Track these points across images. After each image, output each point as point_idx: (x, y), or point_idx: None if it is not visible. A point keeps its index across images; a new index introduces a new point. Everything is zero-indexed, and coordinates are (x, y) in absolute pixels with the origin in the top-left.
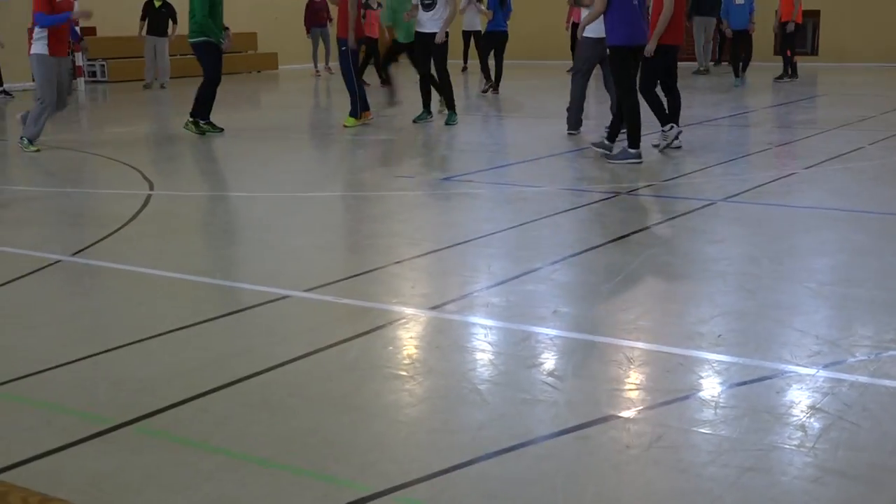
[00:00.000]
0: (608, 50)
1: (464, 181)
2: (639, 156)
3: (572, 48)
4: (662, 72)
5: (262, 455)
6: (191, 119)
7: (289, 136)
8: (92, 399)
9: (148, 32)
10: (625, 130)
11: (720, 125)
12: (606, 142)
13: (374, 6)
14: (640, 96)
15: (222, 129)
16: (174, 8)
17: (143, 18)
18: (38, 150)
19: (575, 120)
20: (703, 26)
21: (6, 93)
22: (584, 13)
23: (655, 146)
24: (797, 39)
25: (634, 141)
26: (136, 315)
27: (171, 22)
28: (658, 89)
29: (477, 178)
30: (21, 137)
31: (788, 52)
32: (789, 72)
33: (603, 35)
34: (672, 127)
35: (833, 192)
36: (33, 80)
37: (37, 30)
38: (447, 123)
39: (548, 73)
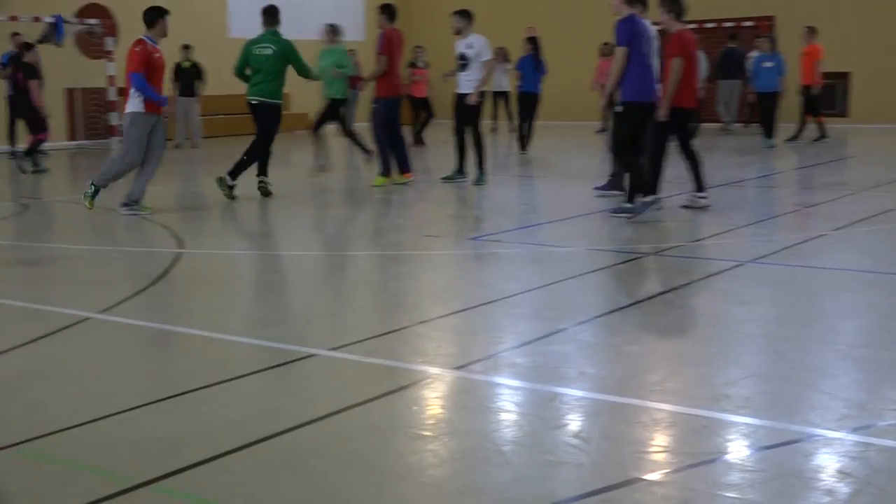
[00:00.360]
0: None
1: (491, 241)
2: (635, 210)
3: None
4: (675, 134)
5: None
6: (259, 179)
7: (318, 196)
8: (113, 458)
9: (179, 94)
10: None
11: (748, 186)
12: (627, 204)
13: (421, 64)
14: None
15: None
16: (201, 68)
17: (174, 80)
18: (90, 206)
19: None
20: (728, 89)
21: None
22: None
23: (684, 207)
24: (819, 102)
25: (642, 188)
26: (161, 373)
27: (198, 82)
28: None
29: (505, 237)
30: (91, 183)
31: (809, 117)
32: (819, 134)
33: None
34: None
35: (862, 254)
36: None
37: (133, 89)
38: (476, 184)
39: (575, 133)
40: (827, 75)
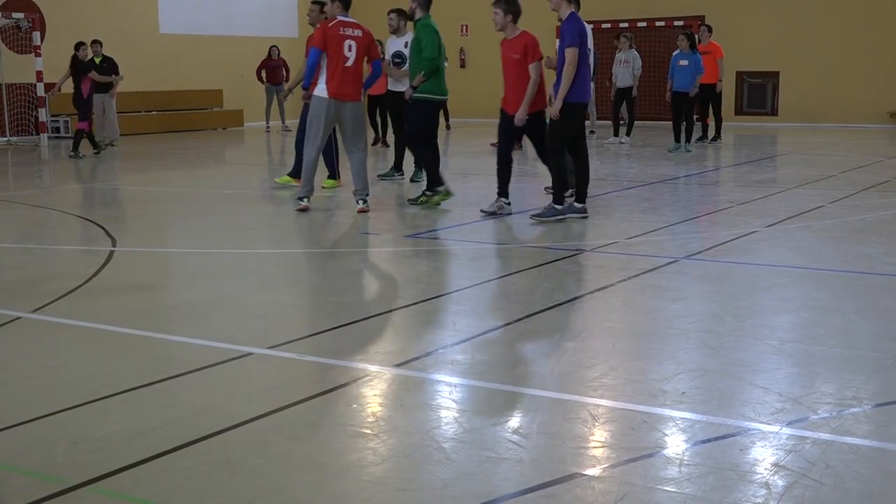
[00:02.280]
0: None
1: (429, 238)
2: (564, 212)
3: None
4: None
5: None
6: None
7: (253, 194)
8: (49, 460)
9: (97, 91)
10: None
11: (682, 184)
12: (577, 204)
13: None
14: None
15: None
16: (115, 62)
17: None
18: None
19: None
20: None
21: None
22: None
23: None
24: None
25: (561, 197)
26: (95, 373)
27: (113, 76)
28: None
29: (443, 235)
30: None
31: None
32: (702, 134)
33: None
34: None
35: (794, 250)
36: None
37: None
38: (412, 180)
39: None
40: (756, 74)
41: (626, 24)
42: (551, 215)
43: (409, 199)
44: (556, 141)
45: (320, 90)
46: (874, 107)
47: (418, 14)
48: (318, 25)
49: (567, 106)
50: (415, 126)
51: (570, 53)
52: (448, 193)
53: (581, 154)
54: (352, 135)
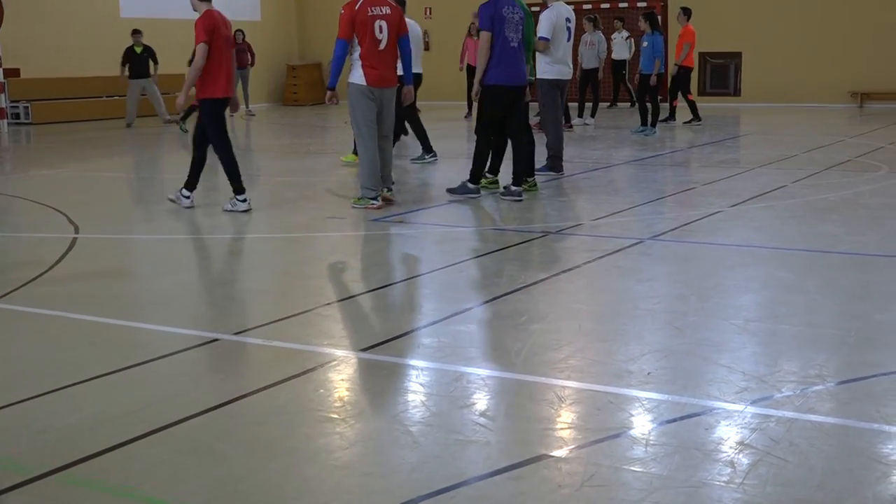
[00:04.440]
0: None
1: (394, 222)
2: (478, 191)
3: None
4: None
5: (191, 502)
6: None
7: (216, 178)
8: (14, 449)
9: (130, 77)
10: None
11: (645, 165)
12: (514, 187)
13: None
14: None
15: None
16: (154, 50)
17: (123, 63)
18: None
19: (559, 160)
20: None
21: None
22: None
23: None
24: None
25: (477, 177)
26: (60, 361)
27: (152, 63)
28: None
29: (407, 218)
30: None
31: (668, 97)
32: (669, 115)
33: (558, 77)
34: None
35: (758, 230)
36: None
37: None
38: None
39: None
40: (719, 55)
41: (589, 6)
42: (462, 192)
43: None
44: (478, 122)
45: (356, 77)
46: (835, 86)
47: None
48: (343, 9)
49: (487, 88)
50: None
51: (482, 37)
52: (496, 182)
53: (515, 138)
54: (384, 123)
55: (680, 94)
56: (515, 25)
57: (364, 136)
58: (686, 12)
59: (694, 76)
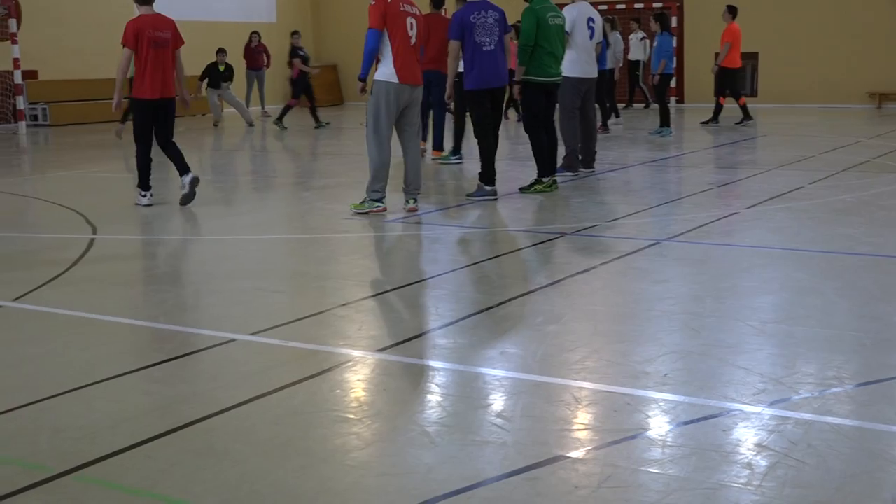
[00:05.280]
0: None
1: (411, 223)
2: (495, 192)
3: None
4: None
5: (208, 502)
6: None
7: (232, 180)
8: (33, 448)
9: (209, 86)
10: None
11: (662, 166)
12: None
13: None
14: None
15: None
16: (233, 69)
17: (202, 79)
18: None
19: (576, 159)
20: None
21: None
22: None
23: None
24: (728, 82)
25: (489, 178)
26: (79, 361)
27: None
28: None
29: (424, 219)
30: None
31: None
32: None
33: (583, 75)
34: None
35: (774, 231)
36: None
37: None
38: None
39: None
40: None
41: (605, 7)
42: (479, 195)
43: (520, 188)
44: (473, 125)
45: (386, 74)
46: (853, 87)
47: None
48: (374, 0)
49: (469, 94)
50: (524, 112)
51: (450, 46)
52: (554, 185)
53: (494, 136)
54: (412, 125)
55: (732, 94)
56: (490, 29)
57: (381, 135)
58: (731, 10)
59: (707, 78)
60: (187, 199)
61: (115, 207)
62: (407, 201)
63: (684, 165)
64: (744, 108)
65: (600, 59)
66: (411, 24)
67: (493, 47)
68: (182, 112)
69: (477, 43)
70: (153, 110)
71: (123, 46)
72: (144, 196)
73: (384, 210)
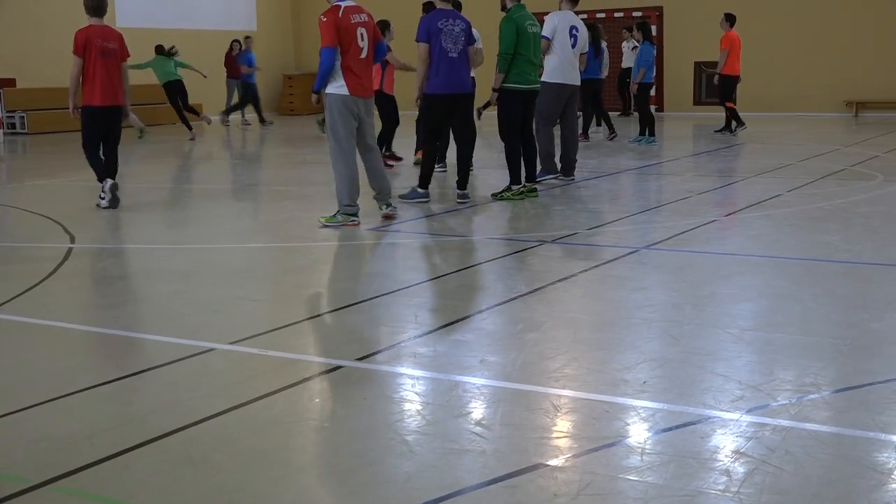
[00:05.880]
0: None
1: (390, 231)
2: (427, 195)
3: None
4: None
5: None
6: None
7: (212, 188)
8: (10, 458)
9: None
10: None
11: (643, 174)
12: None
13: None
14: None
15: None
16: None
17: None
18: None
19: (552, 161)
20: None
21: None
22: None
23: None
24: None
25: (426, 180)
26: (55, 371)
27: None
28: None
29: (403, 227)
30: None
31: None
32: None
33: (566, 80)
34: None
35: (753, 239)
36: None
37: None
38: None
39: None
40: (714, 65)
41: (584, 16)
42: (412, 197)
43: (492, 195)
44: (424, 129)
45: (338, 87)
46: (830, 95)
47: (508, 4)
48: (324, 16)
49: (427, 97)
50: (500, 119)
51: (419, 49)
52: (534, 192)
53: (459, 143)
54: (369, 136)
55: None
56: (455, 37)
57: (344, 149)
58: (729, 18)
59: (687, 86)
60: (112, 203)
61: (94, 216)
62: (381, 207)
63: (664, 173)
64: (729, 118)
65: (593, 67)
66: (362, 34)
67: (457, 55)
68: (124, 122)
69: (443, 48)
70: (101, 117)
71: (74, 55)
72: (104, 196)
73: (357, 224)
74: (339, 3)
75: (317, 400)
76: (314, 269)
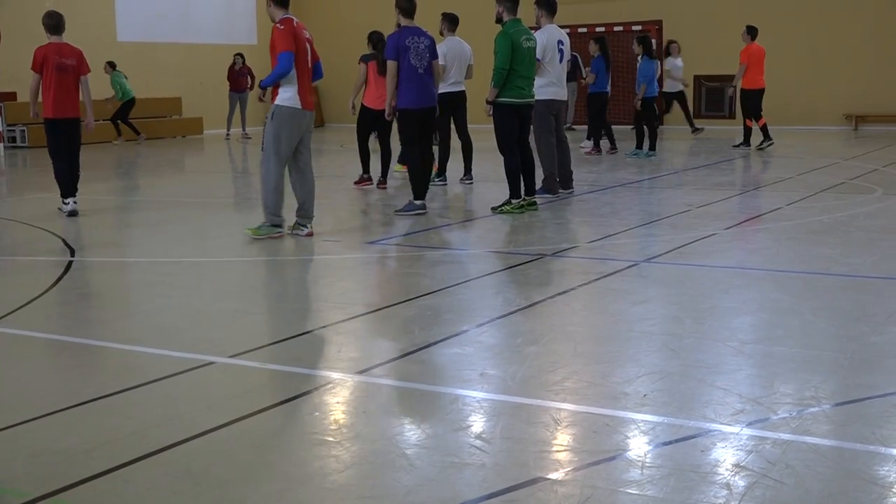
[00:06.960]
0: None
1: (390, 245)
2: (424, 206)
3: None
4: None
5: None
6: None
7: (212, 202)
8: (9, 472)
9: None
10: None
11: (642, 187)
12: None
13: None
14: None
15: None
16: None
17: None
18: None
19: (555, 182)
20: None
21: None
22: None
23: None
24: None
25: (420, 193)
26: (55, 385)
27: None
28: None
29: (403, 241)
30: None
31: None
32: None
33: (554, 97)
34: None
35: (753, 252)
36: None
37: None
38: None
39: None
40: (713, 78)
41: (584, 30)
42: (409, 210)
43: (492, 208)
44: (402, 142)
45: (290, 100)
46: (830, 109)
47: (505, 18)
48: (281, 24)
49: (400, 112)
50: (497, 133)
51: (388, 66)
52: (533, 206)
53: (425, 154)
54: (308, 150)
55: (745, 114)
56: (421, 53)
57: (282, 159)
58: (750, 31)
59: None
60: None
61: (94, 230)
62: (304, 226)
63: (663, 187)
64: (748, 131)
65: (601, 81)
66: (307, 49)
67: (423, 71)
68: (85, 136)
69: (411, 65)
70: (58, 129)
71: (32, 70)
72: (67, 204)
73: (282, 236)
74: (291, 17)
75: (316, 413)
76: (313, 283)
